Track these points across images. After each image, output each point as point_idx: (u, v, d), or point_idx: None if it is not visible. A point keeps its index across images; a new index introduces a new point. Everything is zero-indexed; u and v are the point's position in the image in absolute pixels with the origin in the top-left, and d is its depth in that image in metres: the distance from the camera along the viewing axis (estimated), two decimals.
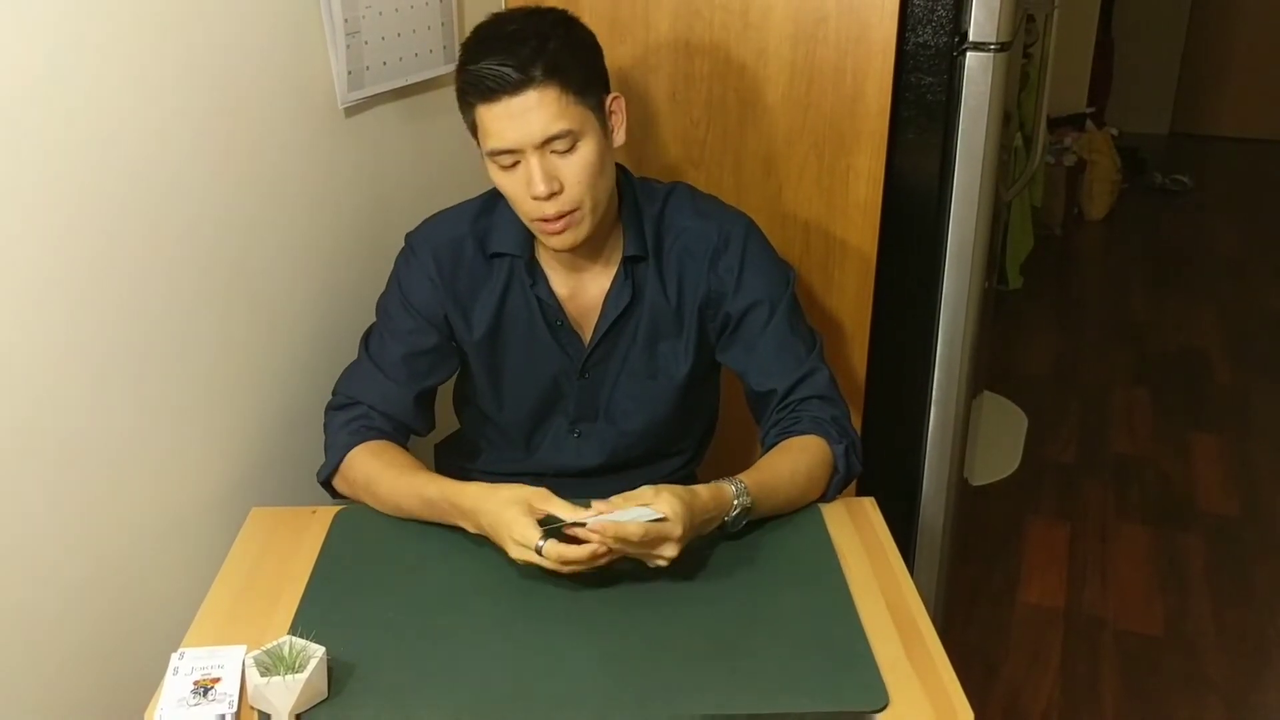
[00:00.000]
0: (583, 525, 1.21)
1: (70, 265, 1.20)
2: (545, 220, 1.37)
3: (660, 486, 1.25)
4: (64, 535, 1.24)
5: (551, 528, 1.22)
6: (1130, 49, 6.03)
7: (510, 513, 1.24)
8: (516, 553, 1.24)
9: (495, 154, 1.35)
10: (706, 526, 1.29)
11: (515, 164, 1.35)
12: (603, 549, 1.21)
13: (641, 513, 1.21)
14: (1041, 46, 2.36)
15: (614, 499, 1.24)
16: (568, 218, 1.37)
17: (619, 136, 1.43)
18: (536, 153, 1.33)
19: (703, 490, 1.29)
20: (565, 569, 1.22)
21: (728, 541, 1.34)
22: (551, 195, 1.35)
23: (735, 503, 1.31)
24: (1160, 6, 6.20)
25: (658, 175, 1.59)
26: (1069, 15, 2.57)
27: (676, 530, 1.21)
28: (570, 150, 1.35)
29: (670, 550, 1.22)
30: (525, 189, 1.35)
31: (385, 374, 1.50)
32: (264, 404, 1.55)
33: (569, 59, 1.34)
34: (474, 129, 1.38)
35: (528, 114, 1.31)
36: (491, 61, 1.31)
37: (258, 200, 1.48)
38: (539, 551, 1.21)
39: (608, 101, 1.41)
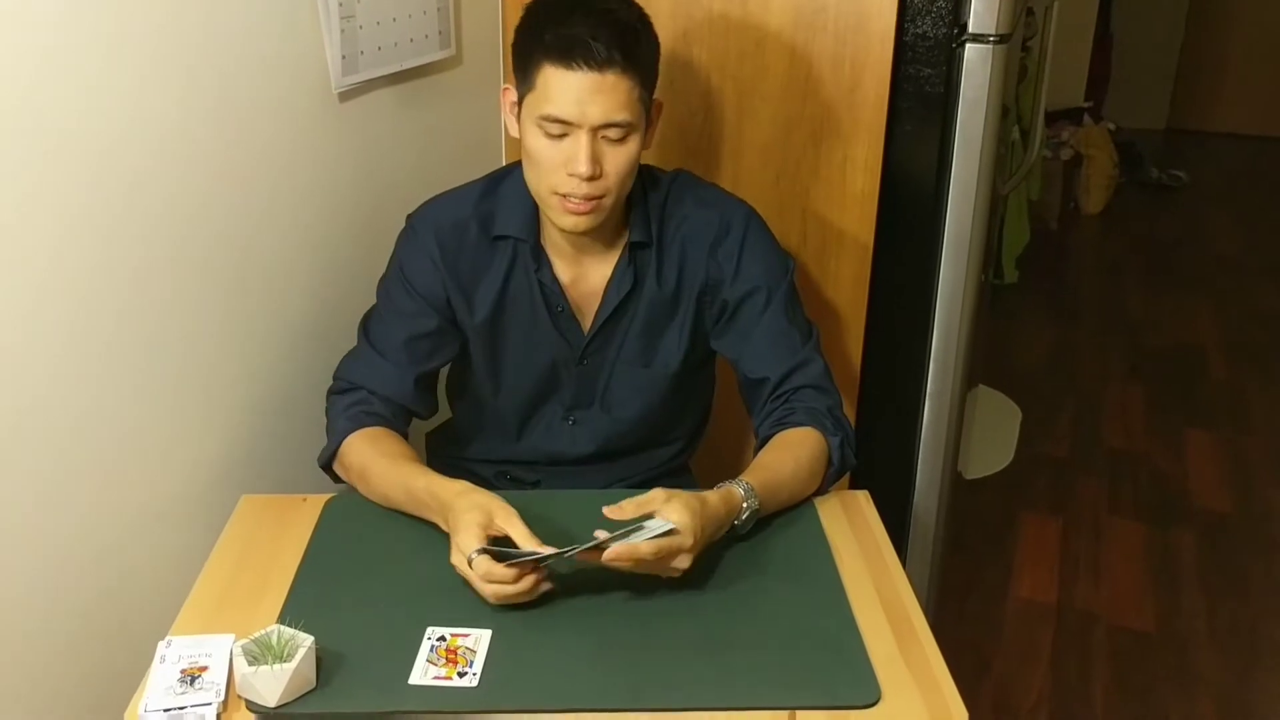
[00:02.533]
0: (534, 556, 1.16)
1: (63, 254, 1.19)
2: (573, 197, 1.35)
3: (671, 493, 1.22)
4: (53, 522, 1.23)
5: (499, 552, 1.18)
6: (1129, 44, 6.03)
7: (465, 519, 1.21)
8: (454, 558, 1.21)
9: (549, 120, 1.32)
10: (718, 533, 1.28)
11: (563, 135, 1.33)
12: (535, 581, 1.18)
13: (651, 526, 1.18)
14: (1040, 40, 2.35)
15: (625, 504, 1.21)
16: (595, 202, 1.36)
17: (651, 139, 1.42)
18: (590, 133, 1.32)
19: (712, 496, 1.27)
20: (489, 592, 1.18)
21: (724, 536, 1.33)
22: (591, 178, 1.33)
23: (744, 505, 1.30)
24: (1159, 2, 6.19)
25: (656, 163, 1.58)
26: (1068, 9, 2.56)
27: (688, 541, 1.19)
28: (620, 141, 1.34)
29: (684, 562, 1.20)
30: (564, 163, 1.33)
31: (386, 358, 1.48)
32: (256, 390, 1.54)
33: (647, 53, 1.34)
34: (528, 87, 1.34)
35: (600, 94, 1.30)
36: (583, 29, 1.28)
37: (251, 185, 1.47)
38: (469, 563, 1.17)
39: (653, 105, 1.40)
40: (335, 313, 1.64)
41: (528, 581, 1.18)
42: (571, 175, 1.33)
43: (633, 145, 1.35)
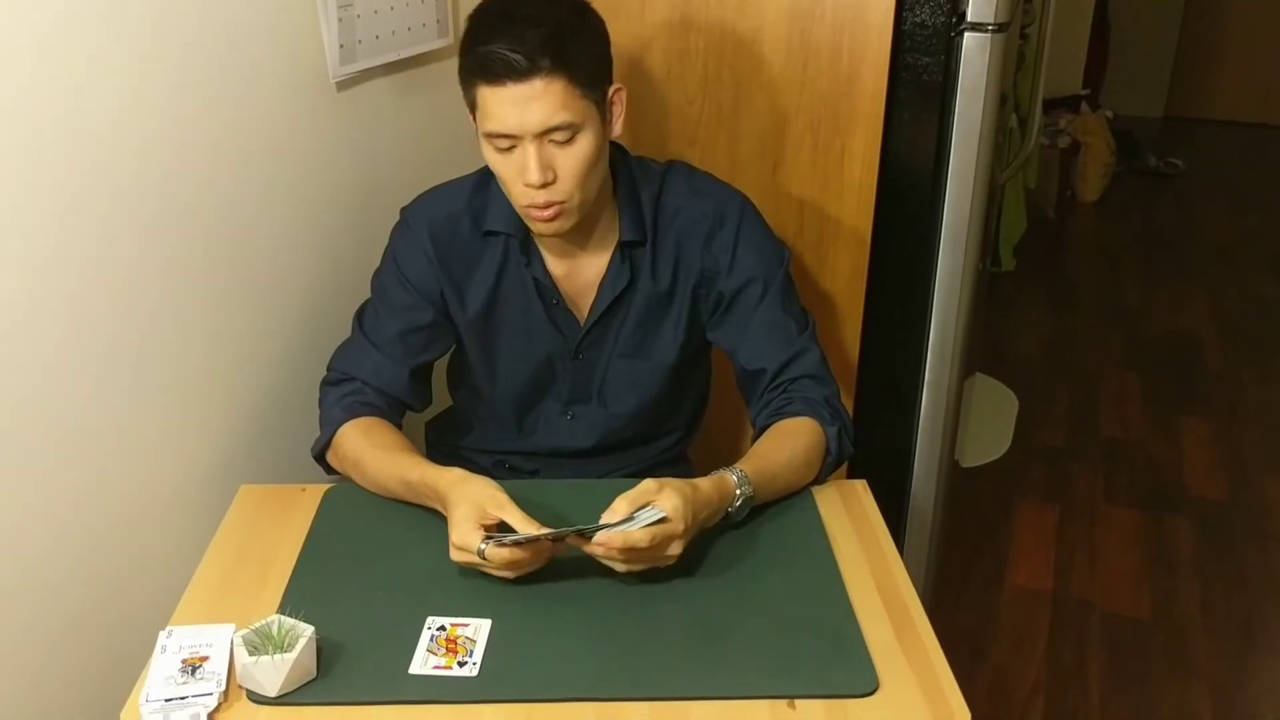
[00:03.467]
0: (533, 537, 1.18)
1: (60, 246, 1.19)
2: (534, 207, 1.36)
3: (663, 481, 1.23)
4: (51, 513, 1.23)
5: (499, 537, 1.19)
6: (1126, 32, 6.02)
7: (459, 513, 1.22)
8: (455, 555, 1.22)
9: (493, 136, 1.33)
10: (711, 519, 1.28)
11: (511, 148, 1.33)
12: (544, 548, 1.20)
13: (641, 516, 1.18)
14: (1038, 28, 2.35)
15: (617, 503, 1.21)
16: (557, 207, 1.36)
17: (616, 128, 1.41)
18: (535, 141, 1.31)
19: (704, 483, 1.27)
20: (507, 572, 1.20)
21: (720, 524, 1.33)
22: (545, 185, 1.33)
23: (738, 492, 1.30)
24: None
25: (651, 153, 1.58)
26: None
27: (679, 527, 1.19)
28: (569, 142, 1.33)
29: (675, 549, 1.21)
30: (519, 174, 1.34)
31: (380, 350, 1.48)
32: (254, 381, 1.54)
33: (579, 50, 1.31)
34: (473, 106, 1.36)
35: (531, 102, 1.29)
36: (501, 45, 1.28)
37: (248, 176, 1.47)
38: (481, 555, 1.19)
39: (610, 93, 1.39)
40: (333, 303, 1.64)
41: (533, 549, 1.19)
42: (527, 186, 1.33)
43: (584, 143, 1.34)
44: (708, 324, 1.54)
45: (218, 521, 1.39)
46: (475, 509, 1.22)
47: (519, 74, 1.28)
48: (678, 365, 1.56)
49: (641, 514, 1.19)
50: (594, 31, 1.37)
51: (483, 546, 1.18)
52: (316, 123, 1.59)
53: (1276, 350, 3.83)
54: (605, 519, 1.20)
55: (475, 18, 1.34)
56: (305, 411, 1.52)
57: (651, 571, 1.23)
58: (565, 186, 1.35)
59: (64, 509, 1.25)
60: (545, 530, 1.19)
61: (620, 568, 1.20)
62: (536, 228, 1.40)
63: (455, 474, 1.29)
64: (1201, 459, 3.17)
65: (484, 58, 1.29)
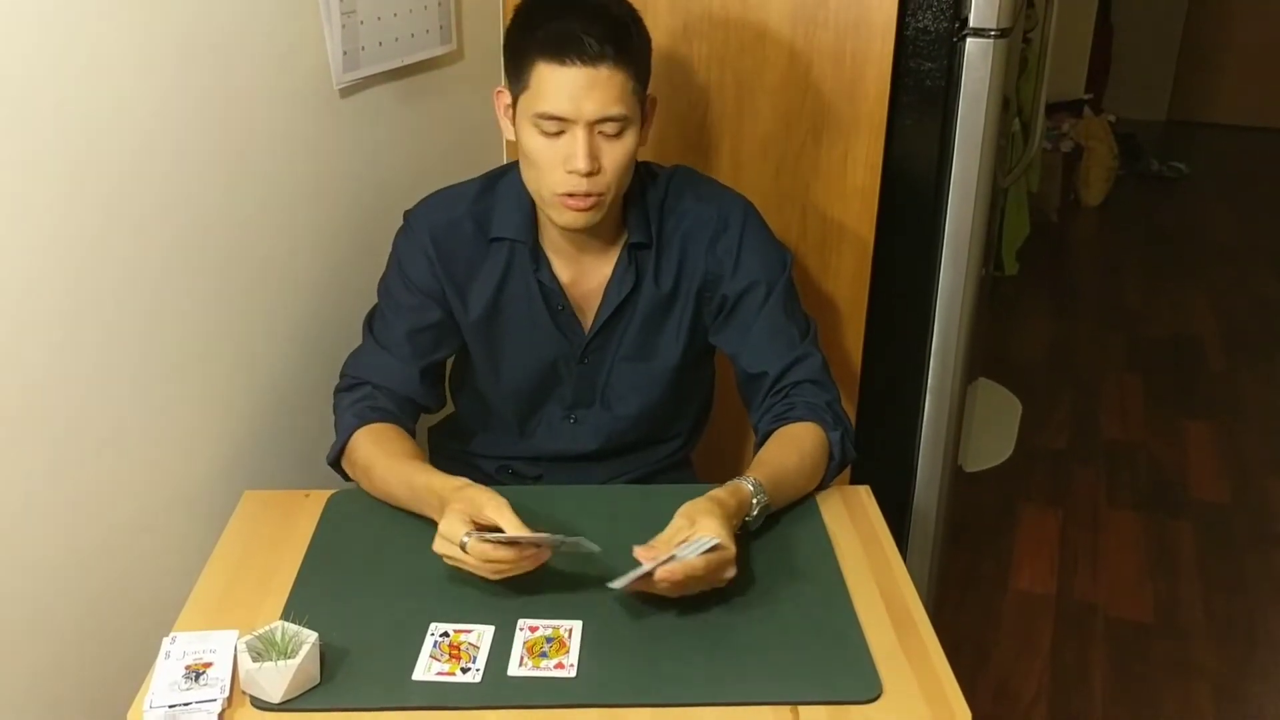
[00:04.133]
0: (523, 538, 1.16)
1: (65, 248, 1.19)
2: (571, 195, 1.35)
3: (692, 512, 1.22)
4: (54, 519, 1.24)
5: (492, 537, 1.18)
6: (1129, 36, 6.02)
7: (452, 509, 1.21)
8: (437, 545, 1.21)
9: (544, 117, 1.32)
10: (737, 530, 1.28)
11: (560, 133, 1.33)
12: (530, 553, 1.19)
13: (698, 545, 1.17)
14: (1041, 32, 2.35)
15: (656, 544, 1.19)
16: (596, 198, 1.36)
17: (646, 135, 1.42)
18: (586, 129, 1.32)
19: (723, 495, 1.27)
20: (489, 570, 1.18)
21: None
22: (590, 174, 1.33)
23: (754, 502, 1.30)
24: None
25: (655, 159, 1.58)
26: (1069, 1, 2.56)
27: (731, 550, 1.19)
28: (617, 135, 1.34)
29: (731, 571, 1.20)
30: (562, 160, 1.33)
31: (390, 352, 1.49)
32: (258, 386, 1.54)
33: (640, 49, 1.35)
34: (522, 85, 1.34)
35: (594, 89, 1.30)
36: (575, 25, 1.28)
37: (252, 181, 1.47)
38: (463, 548, 1.18)
39: (647, 100, 1.40)
40: (337, 308, 1.64)
41: (520, 553, 1.18)
42: (571, 172, 1.33)
43: (629, 140, 1.35)
44: (710, 327, 1.55)
45: (221, 527, 1.39)
46: (471, 506, 1.22)
47: (589, 57, 1.29)
48: (681, 368, 1.56)
49: (698, 544, 1.17)
50: (647, 34, 1.40)
51: (465, 539, 1.18)
52: (320, 129, 1.59)
53: (1278, 352, 3.83)
54: (640, 555, 1.18)
55: None
56: (309, 417, 1.52)
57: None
58: (607, 179, 1.35)
59: (66, 515, 1.25)
60: (535, 535, 1.18)
61: (675, 594, 1.19)
62: (565, 218, 1.39)
63: (459, 481, 1.29)
64: (1204, 461, 3.17)
65: (556, 35, 1.29)
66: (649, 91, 1.41)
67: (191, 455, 1.44)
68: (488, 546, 1.17)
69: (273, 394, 1.57)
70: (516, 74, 1.35)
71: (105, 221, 1.24)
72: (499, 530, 1.20)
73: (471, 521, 1.20)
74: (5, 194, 1.11)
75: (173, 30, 1.30)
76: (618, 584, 1.16)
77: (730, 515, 1.24)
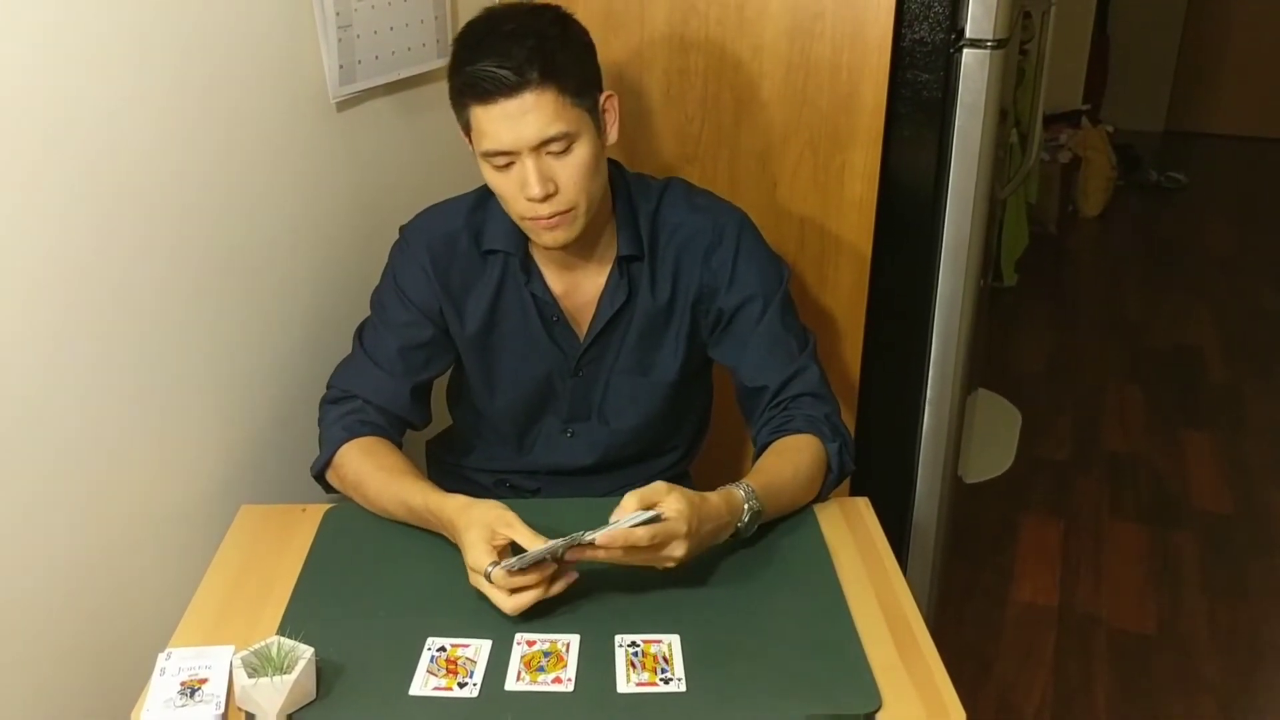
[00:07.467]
0: (543, 550, 1.16)
1: (62, 261, 1.19)
2: (538, 219, 1.36)
3: (674, 485, 1.23)
4: (50, 533, 1.23)
5: (511, 563, 1.17)
6: (1126, 46, 6.03)
7: (469, 538, 1.21)
8: (473, 580, 1.21)
9: (490, 155, 1.34)
10: (722, 532, 1.28)
11: (509, 164, 1.34)
12: (548, 579, 1.19)
13: (636, 515, 1.18)
14: (1038, 43, 2.35)
15: (626, 499, 1.20)
16: (561, 216, 1.36)
17: (612, 135, 1.42)
18: (532, 155, 1.32)
19: (712, 495, 1.27)
20: (512, 604, 1.18)
21: (727, 541, 1.32)
22: (547, 197, 1.33)
23: (746, 507, 1.30)
24: (1156, 4, 6.19)
25: (652, 171, 1.58)
26: (1066, 12, 2.57)
27: (682, 527, 1.19)
28: (566, 152, 1.33)
29: (678, 549, 1.19)
30: (519, 190, 1.34)
31: (380, 367, 1.48)
32: (255, 400, 1.54)
33: (566, 60, 1.32)
34: (467, 128, 1.36)
35: (524, 116, 1.30)
36: (488, 63, 1.29)
37: (249, 195, 1.47)
38: (488, 578, 1.18)
39: (601, 100, 1.39)
40: (333, 321, 1.64)
41: (542, 579, 1.18)
42: (529, 200, 1.34)
43: (581, 152, 1.35)
44: (708, 341, 1.54)
45: (217, 542, 1.38)
46: (485, 530, 1.21)
47: (509, 89, 1.29)
48: (678, 382, 1.55)
49: (641, 514, 1.18)
50: (578, 41, 1.37)
51: (489, 570, 1.18)
52: (316, 142, 1.59)
53: (1278, 362, 3.83)
54: (614, 516, 1.19)
55: (460, 41, 1.35)
56: (305, 431, 1.52)
57: (654, 589, 1.23)
58: (568, 195, 1.35)
59: (61, 529, 1.25)
60: (552, 542, 1.17)
61: (620, 563, 1.19)
62: (541, 239, 1.40)
63: (461, 500, 1.28)
64: (1206, 472, 3.16)
65: (472, 77, 1.30)
66: (605, 90, 1.40)
67: (189, 469, 1.43)
68: (504, 575, 1.16)
69: (269, 408, 1.57)
70: (460, 119, 1.37)
71: (102, 236, 1.24)
72: (516, 548, 1.20)
73: (492, 547, 1.20)
74: (3, 211, 1.11)
75: (169, 45, 1.30)
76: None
77: (709, 514, 1.24)
